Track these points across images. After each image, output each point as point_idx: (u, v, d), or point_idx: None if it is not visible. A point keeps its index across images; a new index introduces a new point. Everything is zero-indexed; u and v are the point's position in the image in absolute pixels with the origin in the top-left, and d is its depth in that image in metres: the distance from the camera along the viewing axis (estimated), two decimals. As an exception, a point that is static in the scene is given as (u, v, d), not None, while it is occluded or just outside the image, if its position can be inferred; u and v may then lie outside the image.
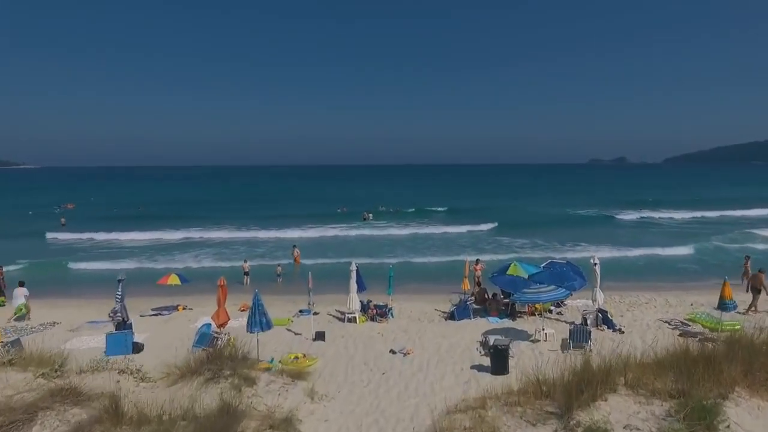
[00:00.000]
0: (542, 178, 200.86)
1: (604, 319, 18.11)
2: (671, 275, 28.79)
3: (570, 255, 32.59)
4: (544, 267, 22.12)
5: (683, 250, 35.16)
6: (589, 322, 18.24)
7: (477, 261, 25.03)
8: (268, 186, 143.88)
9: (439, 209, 66.67)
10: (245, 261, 28.73)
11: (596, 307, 18.38)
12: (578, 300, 22.27)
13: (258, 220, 53.50)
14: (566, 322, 19.04)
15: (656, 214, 60.20)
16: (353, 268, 19.53)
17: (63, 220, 55.85)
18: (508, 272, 21.09)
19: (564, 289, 16.64)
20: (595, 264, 18.18)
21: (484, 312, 20.68)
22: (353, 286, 19.40)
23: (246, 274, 28.08)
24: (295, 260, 33.20)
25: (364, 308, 20.13)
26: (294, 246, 34.27)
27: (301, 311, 21.13)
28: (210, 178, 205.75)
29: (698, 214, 58.85)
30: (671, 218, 57.24)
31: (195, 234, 44.40)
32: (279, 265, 29.41)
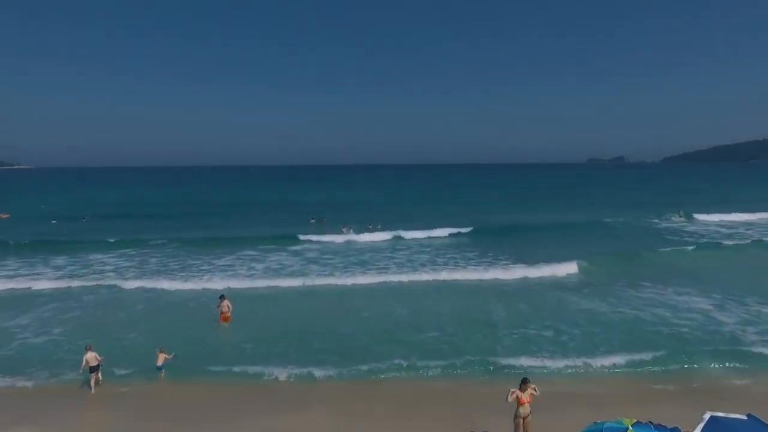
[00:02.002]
0: (560, 179, 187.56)
1: None
2: None
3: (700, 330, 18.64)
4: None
5: None
6: None
7: (523, 383, 11.74)
8: (248, 190, 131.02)
9: (456, 231, 44.52)
10: (88, 348, 15.73)
11: None
12: None
13: (201, 245, 39.41)
14: None
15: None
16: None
17: (-27, 236, 44.01)
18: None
19: None
20: None
21: None
22: None
23: (94, 369, 15.45)
24: (223, 318, 21.19)
25: None
26: (222, 297, 21.72)
27: None
28: (193, 180, 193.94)
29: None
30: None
31: (74, 283, 27.83)
32: (162, 350, 16.56)
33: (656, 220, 53.64)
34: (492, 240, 40.36)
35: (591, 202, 79.93)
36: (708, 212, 56.56)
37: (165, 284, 26.82)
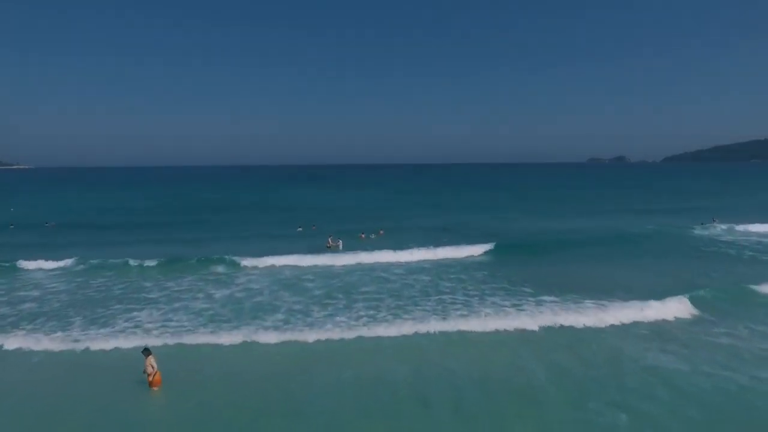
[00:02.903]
0: (566, 179, 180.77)
1: None
2: None
3: None
4: None
5: None
6: None
7: None
8: (241, 191, 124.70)
9: (465, 246, 35.95)
10: None
11: None
12: None
13: (163, 261, 32.38)
14: None
15: None
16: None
17: None
18: None
19: None
20: None
21: None
22: None
23: None
24: (150, 382, 15.26)
25: None
26: (146, 352, 15.53)
27: None
28: (189, 181, 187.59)
29: None
30: None
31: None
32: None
33: (694, 228, 46.91)
34: (509, 259, 33.04)
35: (607, 207, 73.15)
36: (745, 221, 50.19)
37: (75, 333, 19.43)
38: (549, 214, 63.20)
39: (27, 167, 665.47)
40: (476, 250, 35.66)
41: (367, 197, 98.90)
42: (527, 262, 32.13)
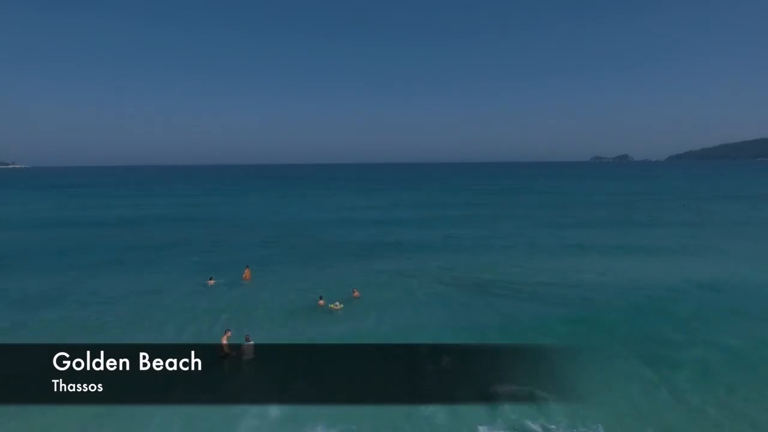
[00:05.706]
0: (587, 181, 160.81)
1: None
2: None
3: None
4: None
5: None
6: None
7: None
8: (179, 206, 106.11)
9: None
10: None
11: None
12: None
13: None
14: None
15: None
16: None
17: None
18: None
19: None
20: None
21: None
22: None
23: None
24: None
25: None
26: None
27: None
28: (141, 184, 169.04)
29: None
30: None
31: None
32: None
33: None
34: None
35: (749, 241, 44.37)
36: None
37: None
38: (633, 241, 42.38)
39: (22, 167, 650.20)
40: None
41: (351, 216, 67.62)
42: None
